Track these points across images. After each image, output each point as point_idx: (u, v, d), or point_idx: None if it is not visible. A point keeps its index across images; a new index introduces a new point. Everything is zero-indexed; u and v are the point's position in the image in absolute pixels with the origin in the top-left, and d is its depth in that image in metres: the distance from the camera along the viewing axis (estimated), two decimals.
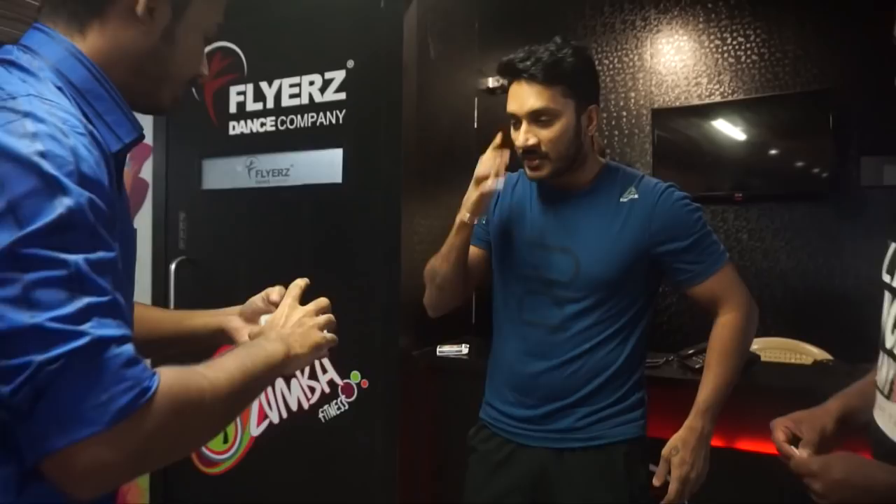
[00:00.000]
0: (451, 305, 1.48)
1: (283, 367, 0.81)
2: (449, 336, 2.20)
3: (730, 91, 2.91)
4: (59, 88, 0.65)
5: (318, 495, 2.12)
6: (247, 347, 0.79)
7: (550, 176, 1.31)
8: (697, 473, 1.26)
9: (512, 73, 1.28)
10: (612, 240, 1.29)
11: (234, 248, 2.38)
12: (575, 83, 1.27)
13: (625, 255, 1.28)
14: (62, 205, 0.56)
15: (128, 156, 0.80)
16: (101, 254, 0.59)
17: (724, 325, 1.31)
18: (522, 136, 1.28)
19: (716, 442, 1.72)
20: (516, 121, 1.30)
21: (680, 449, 1.26)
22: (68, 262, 0.56)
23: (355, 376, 2.11)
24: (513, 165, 1.40)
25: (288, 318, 0.89)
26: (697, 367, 1.76)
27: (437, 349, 2.12)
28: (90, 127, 0.65)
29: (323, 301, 0.94)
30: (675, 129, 2.99)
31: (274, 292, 1.00)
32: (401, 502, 2.00)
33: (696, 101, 2.96)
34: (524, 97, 1.26)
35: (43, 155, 0.57)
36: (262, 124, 2.32)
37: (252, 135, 2.34)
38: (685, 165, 2.94)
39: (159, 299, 2.50)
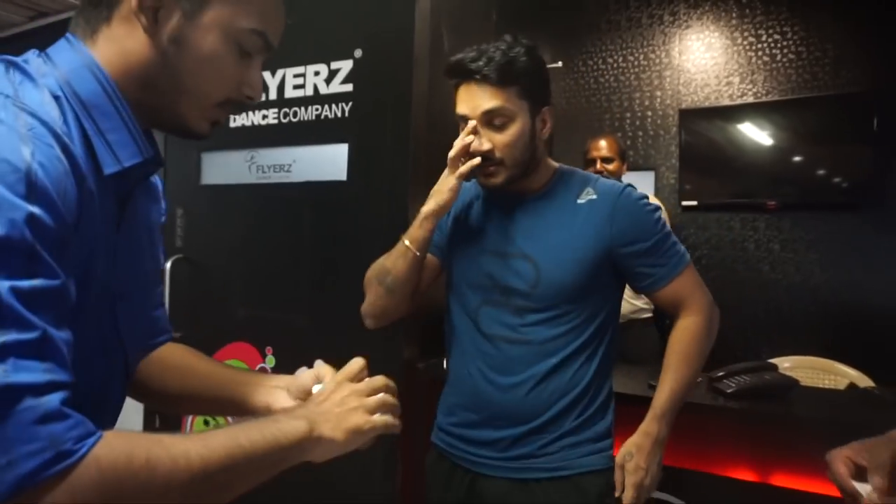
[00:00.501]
0: (395, 315, 1.36)
1: (304, 451, 0.66)
2: None
3: (763, 92, 2.73)
4: (57, 98, 0.58)
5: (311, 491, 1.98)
6: (257, 421, 0.64)
7: (505, 183, 1.22)
8: (652, 479, 1.20)
9: (463, 73, 1.20)
10: (572, 242, 1.21)
11: (233, 247, 2.25)
12: (529, 84, 1.20)
13: (587, 257, 1.20)
14: None
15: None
16: (36, 282, 0.49)
17: (686, 329, 1.25)
18: (476, 141, 1.18)
19: (748, 475, 1.57)
20: (467, 125, 1.21)
21: (634, 454, 1.19)
22: None
23: None
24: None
25: (331, 394, 0.73)
26: (729, 391, 1.60)
27: (444, 362, 1.97)
28: (76, 144, 0.58)
29: (379, 380, 0.77)
30: (704, 131, 2.82)
31: (326, 372, 0.84)
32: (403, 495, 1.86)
33: (726, 102, 2.79)
34: (477, 99, 1.18)
35: None
36: (265, 116, 2.19)
37: (253, 128, 2.21)
38: (714, 169, 2.77)
39: None
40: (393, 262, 1.28)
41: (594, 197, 1.22)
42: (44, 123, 0.53)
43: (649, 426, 1.21)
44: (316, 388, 0.82)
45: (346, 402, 0.71)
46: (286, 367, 2.10)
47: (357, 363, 0.78)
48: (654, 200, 2.70)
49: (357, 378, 0.76)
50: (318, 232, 2.08)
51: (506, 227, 1.25)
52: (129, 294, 0.68)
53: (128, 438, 0.51)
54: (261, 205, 2.20)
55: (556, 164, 1.31)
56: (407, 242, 1.26)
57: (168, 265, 2.29)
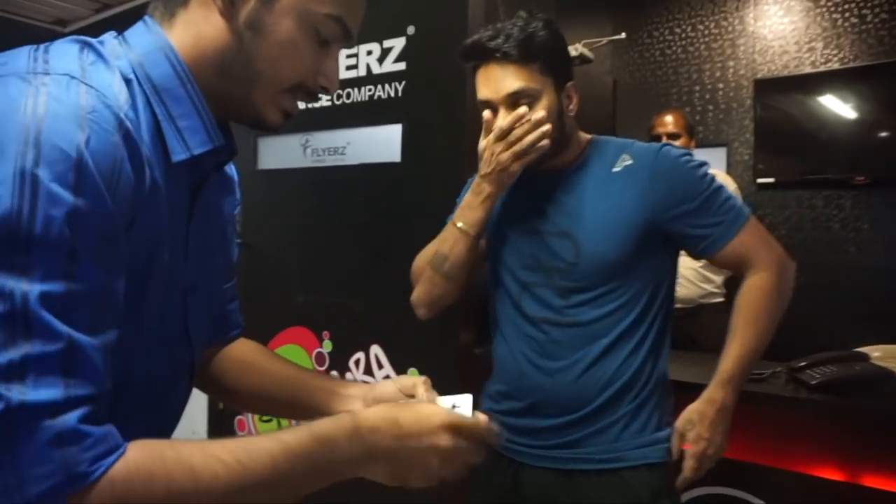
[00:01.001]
0: (450, 301, 1.30)
1: (343, 476, 0.60)
2: None
3: (851, 57, 2.50)
4: (128, 81, 0.56)
5: (370, 494, 1.97)
6: (312, 440, 0.56)
7: (536, 164, 1.14)
8: (716, 450, 1.11)
9: (481, 53, 1.13)
10: (611, 214, 1.13)
11: (289, 232, 2.26)
12: (550, 59, 1.13)
13: (629, 228, 1.12)
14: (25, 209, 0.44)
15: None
16: (73, 285, 0.46)
17: (753, 287, 1.14)
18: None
19: (836, 475, 1.44)
20: (491, 108, 1.14)
21: (696, 423, 1.10)
22: (10, 293, 0.43)
23: (413, 373, 1.94)
24: None
25: (422, 438, 0.61)
26: (813, 382, 1.47)
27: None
28: (144, 130, 0.56)
29: (483, 424, 0.66)
30: (782, 102, 2.61)
31: (418, 386, 0.78)
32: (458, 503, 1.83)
33: (808, 70, 2.58)
34: (499, 80, 1.11)
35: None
36: (318, 99, 2.17)
37: (307, 111, 2.19)
38: (792, 144, 2.57)
39: None
40: (450, 248, 1.22)
41: (630, 162, 1.14)
42: (108, 107, 0.51)
43: (714, 393, 1.11)
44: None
45: (432, 442, 0.60)
46: (343, 350, 2.09)
47: (481, 419, 0.66)
48: (725, 178, 2.54)
49: (466, 432, 0.63)
50: (372, 215, 2.05)
51: (541, 206, 1.19)
52: (199, 287, 0.66)
53: (154, 454, 0.48)
54: (316, 189, 2.19)
55: (588, 136, 1.24)
56: (461, 225, 1.20)
57: None
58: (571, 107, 1.18)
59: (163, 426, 0.64)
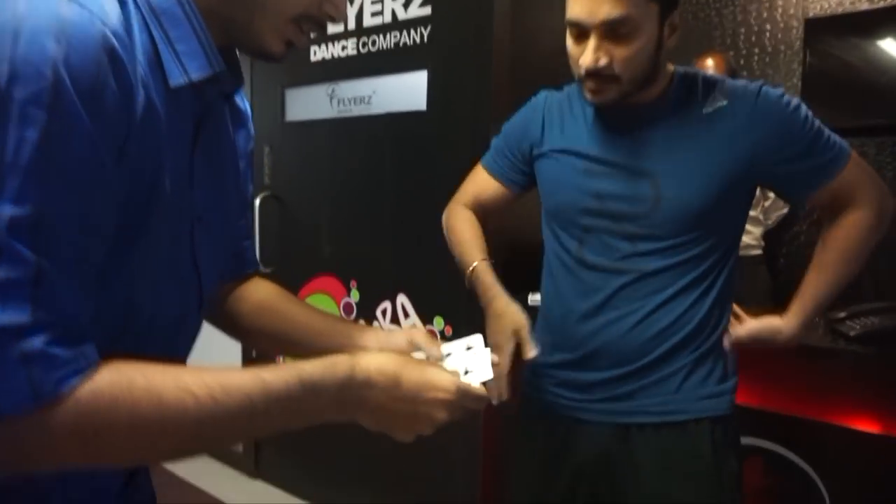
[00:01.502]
0: None
1: (326, 420, 0.60)
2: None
3: None
4: (123, 2, 0.53)
5: (394, 444, 2.01)
6: (298, 384, 0.54)
7: (618, 100, 1.02)
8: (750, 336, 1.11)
9: None
10: (700, 158, 1.02)
11: (317, 183, 2.26)
12: None
13: (719, 177, 1.01)
14: None
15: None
16: (46, 207, 0.45)
17: (852, 225, 1.07)
18: (591, 56, 0.97)
19: (872, 427, 1.39)
20: (581, 32, 0.99)
21: (779, 322, 1.11)
22: None
23: (439, 322, 1.95)
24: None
25: (420, 393, 0.60)
26: (853, 334, 1.41)
27: (529, 297, 1.89)
28: (139, 51, 0.53)
29: (479, 398, 0.66)
30: (834, 44, 2.44)
31: (422, 339, 0.77)
32: (485, 451, 1.85)
33: (865, 6, 2.40)
34: (597, 2, 0.95)
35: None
36: (344, 48, 2.13)
37: (333, 60, 2.17)
38: (845, 90, 2.41)
39: None
40: (452, 246, 1.27)
41: (724, 104, 1.02)
42: (91, 22, 0.48)
43: (788, 324, 1.10)
44: (417, 356, 0.75)
45: (429, 412, 0.61)
46: (370, 298, 2.11)
47: (478, 389, 0.65)
48: None
49: (464, 393, 0.63)
50: (398, 164, 2.03)
51: (616, 141, 1.07)
52: (208, 219, 0.65)
53: (123, 380, 0.48)
54: (342, 139, 2.18)
55: (672, 67, 1.10)
56: (473, 266, 1.19)
57: (257, 202, 2.34)
58: (671, 38, 1.03)
59: (173, 358, 0.65)
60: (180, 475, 2.61)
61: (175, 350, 0.66)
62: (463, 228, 1.28)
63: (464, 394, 0.63)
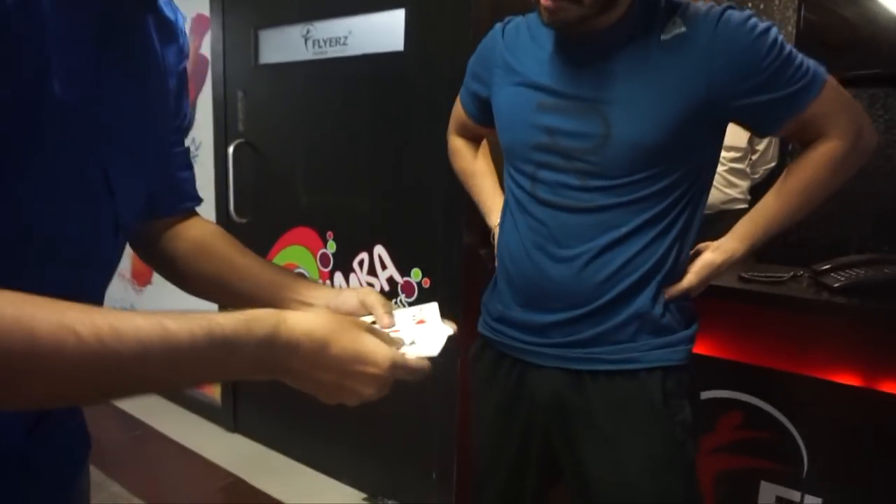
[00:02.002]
0: None
1: (239, 378, 0.53)
2: None
3: None
4: None
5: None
6: (206, 339, 0.47)
7: (576, 23, 0.94)
8: (693, 293, 1.06)
9: None
10: (653, 90, 0.94)
11: (293, 130, 2.17)
12: None
13: (674, 111, 0.94)
14: None
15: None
16: None
17: (822, 155, 0.99)
18: None
19: (852, 380, 1.37)
20: None
21: (698, 267, 1.04)
22: None
23: (416, 274, 1.90)
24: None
25: (355, 364, 0.54)
26: (836, 285, 1.37)
27: None
28: None
29: (418, 373, 0.60)
30: None
31: (375, 302, 0.70)
32: (461, 399, 1.82)
33: None
34: None
35: None
36: None
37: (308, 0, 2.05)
38: (838, 41, 2.33)
39: (221, 184, 2.37)
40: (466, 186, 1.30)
41: (682, 30, 0.94)
42: None
43: (730, 244, 1.03)
44: (369, 319, 0.68)
45: (354, 385, 0.55)
46: (347, 250, 2.05)
47: (416, 363, 0.59)
48: None
49: (398, 368, 0.56)
50: (376, 109, 1.94)
51: (567, 73, 1.00)
52: (124, 135, 0.58)
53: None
54: (318, 82, 2.08)
55: None
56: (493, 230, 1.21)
57: (230, 150, 2.25)
58: None
59: (84, 280, 0.58)
60: (158, 428, 2.59)
61: (87, 285, 0.59)
62: (465, 170, 1.31)
63: (398, 369, 0.56)
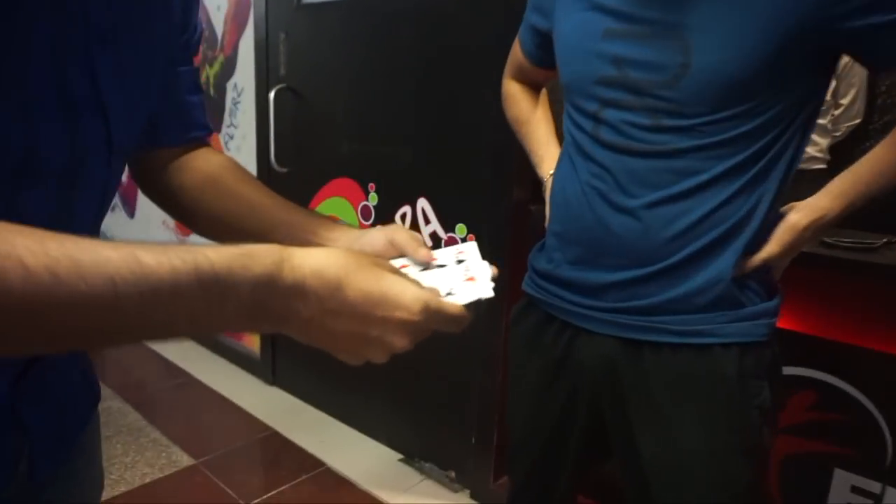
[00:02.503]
0: None
1: (236, 330, 0.44)
2: None
3: None
4: None
5: (411, 359, 1.91)
6: (193, 278, 0.38)
7: None
8: (781, 265, 0.92)
9: None
10: (747, 12, 0.77)
11: (336, 75, 2.06)
12: None
13: (770, 35, 0.77)
14: None
15: None
16: None
17: None
18: None
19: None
20: None
21: (795, 216, 0.87)
22: None
23: (461, 230, 1.79)
24: None
25: (382, 312, 0.43)
26: None
27: None
28: None
29: (456, 320, 0.48)
30: None
31: (405, 240, 0.60)
32: (504, 369, 1.73)
33: None
34: None
35: None
36: None
37: None
38: None
39: (262, 132, 2.30)
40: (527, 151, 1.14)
41: None
42: None
43: (821, 201, 0.86)
44: (398, 263, 0.58)
45: (382, 335, 0.44)
46: (389, 204, 1.95)
47: (453, 308, 0.47)
48: None
49: (434, 313, 0.45)
50: (422, 52, 1.81)
51: None
52: (117, 41, 0.50)
53: None
54: (362, 23, 1.95)
55: None
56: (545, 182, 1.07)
57: (271, 96, 2.16)
58: None
59: (69, 203, 0.49)
60: (199, 378, 2.60)
61: (73, 209, 0.50)
62: (519, 117, 1.16)
63: (433, 314, 0.45)
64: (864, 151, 0.91)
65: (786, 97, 0.82)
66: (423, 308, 0.44)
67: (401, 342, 0.45)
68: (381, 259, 0.48)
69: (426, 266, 0.58)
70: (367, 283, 0.43)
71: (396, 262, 0.58)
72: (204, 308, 0.38)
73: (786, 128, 0.83)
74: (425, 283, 0.48)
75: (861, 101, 2.25)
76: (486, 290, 0.51)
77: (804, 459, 1.34)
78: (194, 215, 0.67)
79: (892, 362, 1.26)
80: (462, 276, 0.55)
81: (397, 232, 0.60)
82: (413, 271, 0.57)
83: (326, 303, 0.42)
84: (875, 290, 1.31)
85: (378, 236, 0.61)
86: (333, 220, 0.66)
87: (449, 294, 0.51)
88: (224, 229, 0.67)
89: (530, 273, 1.05)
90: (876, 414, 1.26)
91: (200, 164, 0.68)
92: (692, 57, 0.79)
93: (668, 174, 0.84)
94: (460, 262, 0.59)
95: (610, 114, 0.87)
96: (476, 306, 0.49)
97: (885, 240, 1.35)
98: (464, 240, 1.78)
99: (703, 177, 0.83)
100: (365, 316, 0.43)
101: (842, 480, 1.29)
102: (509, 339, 1.11)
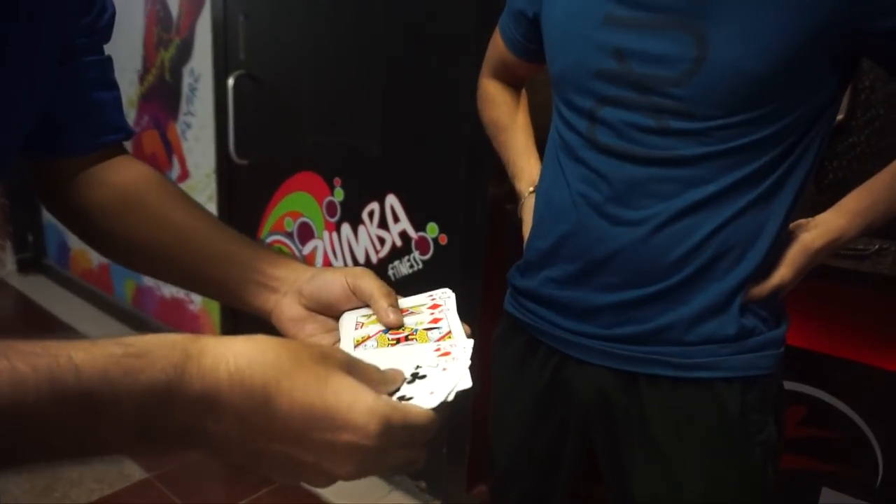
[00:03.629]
0: None
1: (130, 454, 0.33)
2: None
3: None
4: None
5: None
6: (45, 391, 0.27)
7: None
8: (788, 287, 0.81)
9: None
10: (776, 4, 0.68)
11: (300, 62, 1.93)
12: None
13: (794, 30, 0.68)
14: None
15: None
16: None
17: None
18: None
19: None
20: None
21: (808, 236, 0.79)
22: None
23: (432, 229, 1.69)
24: None
25: (313, 424, 0.33)
26: None
27: None
28: None
29: (427, 421, 0.36)
30: None
31: (375, 290, 0.50)
32: (482, 382, 1.65)
33: None
34: None
35: None
36: None
37: None
38: None
39: (221, 121, 2.15)
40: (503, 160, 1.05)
41: None
42: None
43: (834, 220, 0.79)
44: (348, 319, 0.48)
45: (319, 462, 0.33)
46: (356, 200, 1.84)
47: (423, 415, 0.36)
48: None
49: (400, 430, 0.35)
50: (391, 37, 1.69)
51: None
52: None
53: None
54: (329, 5, 1.82)
55: None
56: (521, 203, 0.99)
57: (230, 82, 2.02)
58: None
59: None
60: None
61: None
62: (497, 122, 1.05)
63: (396, 434, 0.34)
64: (847, 147, 0.83)
65: (804, 103, 0.73)
66: (380, 430, 0.33)
67: (344, 470, 0.34)
68: (327, 348, 0.37)
69: (390, 328, 0.47)
70: (305, 392, 0.32)
71: (352, 315, 0.48)
72: (62, 433, 0.27)
73: (801, 137, 0.75)
74: (387, 363, 0.38)
75: (844, 97, 2.19)
76: (463, 379, 0.39)
77: (791, 476, 1.28)
78: (108, 240, 0.56)
79: (882, 377, 1.20)
80: (433, 347, 0.44)
81: (362, 278, 0.50)
82: (372, 343, 0.46)
83: (248, 419, 0.31)
84: (866, 301, 1.25)
85: (336, 281, 0.50)
86: (282, 256, 0.54)
87: (416, 376, 0.40)
88: (147, 260, 0.55)
89: (511, 291, 0.96)
90: (867, 432, 1.20)
91: (116, 177, 0.56)
92: (707, 50, 0.70)
93: (673, 184, 0.75)
94: (433, 319, 0.48)
95: (608, 113, 0.77)
96: (448, 405, 0.38)
97: (876, 246, 1.28)
98: (435, 240, 1.68)
99: (711, 188, 0.74)
100: (300, 438, 0.32)
101: (830, 499, 1.24)
102: (492, 363, 1.01)
